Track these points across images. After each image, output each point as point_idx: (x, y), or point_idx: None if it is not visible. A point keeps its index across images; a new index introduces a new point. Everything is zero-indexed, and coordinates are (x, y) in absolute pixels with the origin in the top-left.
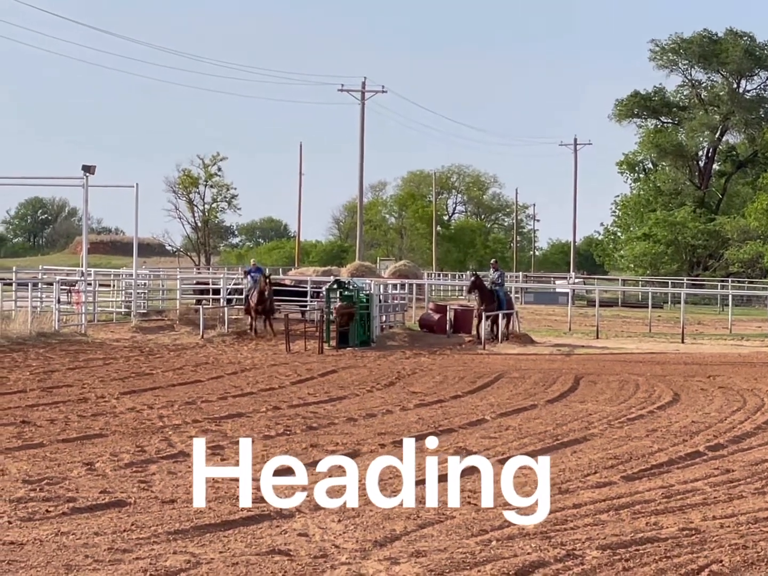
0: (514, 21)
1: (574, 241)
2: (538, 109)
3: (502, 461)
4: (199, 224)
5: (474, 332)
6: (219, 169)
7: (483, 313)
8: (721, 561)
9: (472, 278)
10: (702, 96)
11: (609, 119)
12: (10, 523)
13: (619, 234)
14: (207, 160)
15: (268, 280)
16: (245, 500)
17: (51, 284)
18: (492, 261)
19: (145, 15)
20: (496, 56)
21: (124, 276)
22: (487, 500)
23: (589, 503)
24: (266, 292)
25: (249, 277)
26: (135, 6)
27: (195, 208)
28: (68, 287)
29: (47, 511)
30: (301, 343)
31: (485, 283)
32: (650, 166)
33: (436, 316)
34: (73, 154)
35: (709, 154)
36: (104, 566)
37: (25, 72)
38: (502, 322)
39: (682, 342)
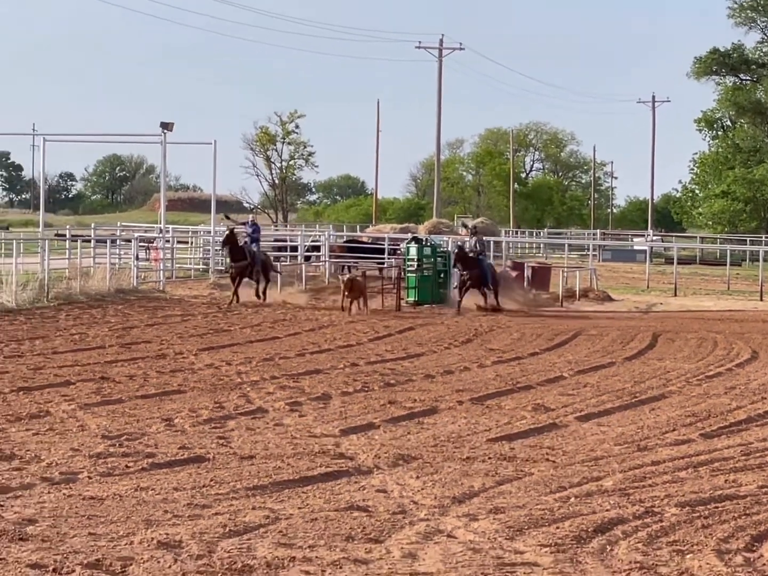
0: None
1: (652, 199)
2: (616, 66)
3: (581, 418)
4: (277, 181)
5: (460, 300)
6: (296, 127)
7: (467, 281)
8: None
9: (455, 251)
10: None
11: (687, 76)
12: (90, 478)
13: (697, 191)
14: (284, 118)
15: (233, 232)
16: (324, 456)
17: (129, 241)
18: (470, 226)
19: None
20: (573, 13)
21: (201, 233)
22: (565, 457)
23: (668, 460)
24: (245, 251)
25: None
26: None
27: (272, 165)
28: (146, 244)
29: (127, 466)
30: (379, 301)
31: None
32: (728, 123)
33: (514, 274)
34: (150, 112)
35: None
36: (183, 521)
37: (104, 30)
38: (489, 296)
39: (761, 300)
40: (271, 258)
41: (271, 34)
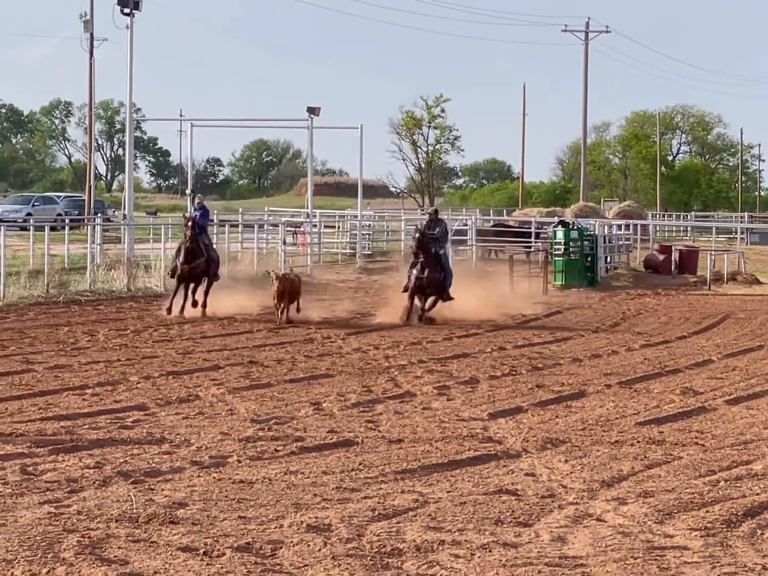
0: None
1: None
2: (764, 46)
3: (729, 402)
4: (423, 165)
5: (410, 309)
6: (442, 111)
7: (422, 284)
8: None
9: (416, 236)
10: None
11: None
12: (239, 462)
13: None
14: (430, 102)
15: (192, 224)
16: (472, 440)
17: (276, 226)
18: (430, 210)
19: None
20: None
21: (348, 217)
22: (714, 440)
23: None
24: (197, 244)
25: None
26: None
27: (418, 150)
28: (294, 229)
29: (276, 450)
30: (526, 284)
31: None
32: None
33: (661, 257)
34: (301, 94)
35: None
36: (333, 505)
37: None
38: (429, 300)
39: None
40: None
41: (417, 18)
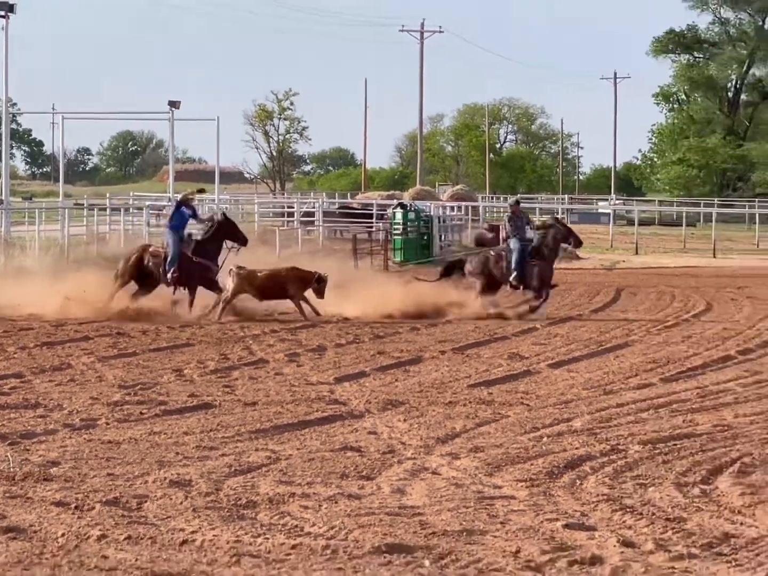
0: None
1: (615, 167)
2: (582, 45)
3: (552, 365)
4: (274, 154)
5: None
6: (291, 104)
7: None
8: (751, 454)
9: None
10: (730, 33)
11: (646, 55)
12: (108, 424)
13: (655, 159)
14: (280, 96)
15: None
16: (320, 402)
17: (141, 209)
18: (512, 202)
19: None
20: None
21: (207, 201)
22: (538, 400)
23: (631, 403)
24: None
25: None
26: None
27: (270, 139)
28: (157, 212)
29: (141, 413)
30: (368, 261)
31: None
32: (683, 97)
33: (490, 235)
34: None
35: (737, 86)
36: (193, 462)
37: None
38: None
39: (714, 257)
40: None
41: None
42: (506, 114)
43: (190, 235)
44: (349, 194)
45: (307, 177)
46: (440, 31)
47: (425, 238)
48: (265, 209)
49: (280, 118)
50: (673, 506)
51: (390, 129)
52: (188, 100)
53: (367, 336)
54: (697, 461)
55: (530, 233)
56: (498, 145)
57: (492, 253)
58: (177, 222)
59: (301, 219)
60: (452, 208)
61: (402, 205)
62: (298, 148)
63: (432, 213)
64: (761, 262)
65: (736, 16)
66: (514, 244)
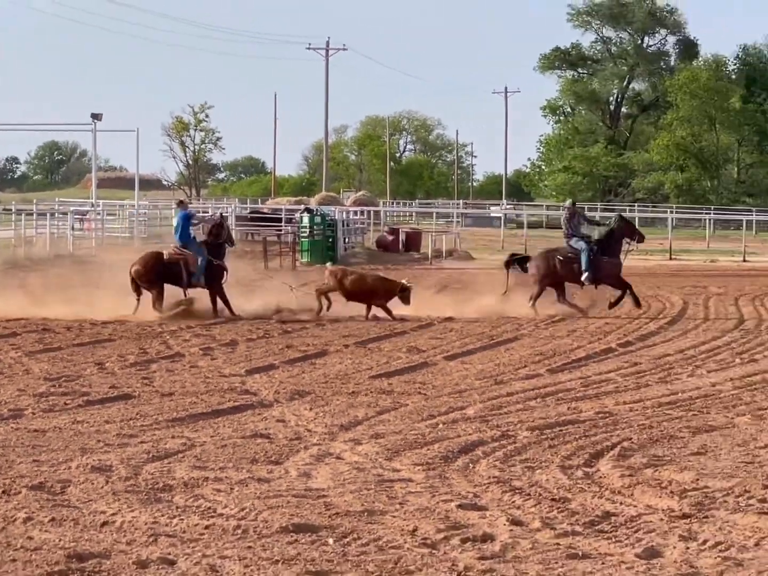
0: None
1: (506, 174)
2: (476, 62)
3: (447, 358)
4: (190, 162)
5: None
6: (206, 116)
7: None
8: (630, 439)
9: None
10: (612, 50)
11: (534, 70)
12: (33, 414)
13: (543, 167)
14: (196, 109)
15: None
16: (232, 393)
17: (66, 214)
18: (568, 204)
19: None
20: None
21: (127, 207)
22: (434, 390)
23: (520, 392)
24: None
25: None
26: None
27: (186, 149)
28: (80, 216)
29: (65, 403)
30: (277, 262)
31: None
32: (569, 110)
33: (391, 238)
34: (85, 102)
35: (618, 100)
36: (113, 449)
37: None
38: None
39: None
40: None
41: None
42: (405, 125)
43: (194, 238)
44: (259, 200)
45: (221, 184)
46: (344, 49)
47: (330, 240)
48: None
49: (196, 129)
50: (559, 487)
51: (298, 139)
52: (110, 112)
53: (276, 331)
54: (580, 446)
55: (587, 229)
56: (398, 154)
57: (560, 257)
58: (186, 230)
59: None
60: (355, 212)
61: (309, 210)
62: (212, 157)
63: (336, 217)
64: (640, 261)
65: (617, 35)
66: (577, 243)
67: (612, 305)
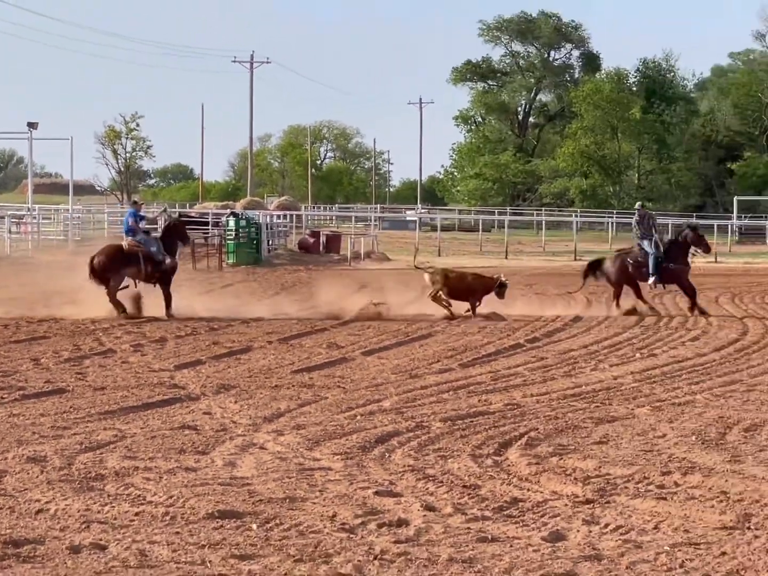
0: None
1: (420, 180)
2: (393, 74)
3: (365, 353)
4: (122, 169)
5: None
6: (137, 125)
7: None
8: (537, 429)
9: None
10: (520, 64)
11: (447, 82)
12: None
13: (455, 174)
14: (128, 118)
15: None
16: (161, 387)
17: (3, 218)
18: (638, 206)
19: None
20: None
21: (62, 211)
22: (353, 384)
23: (434, 385)
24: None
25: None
26: None
27: (118, 156)
28: (17, 220)
29: (2, 397)
30: (205, 262)
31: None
32: (480, 119)
33: (312, 240)
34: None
35: (526, 110)
36: (48, 440)
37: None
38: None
39: (506, 258)
40: None
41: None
42: (326, 134)
43: (148, 232)
44: (188, 204)
45: (151, 189)
46: (268, 62)
47: (255, 242)
48: (113, 218)
49: (127, 138)
50: (469, 475)
51: (224, 147)
52: (45, 121)
53: (203, 329)
54: (490, 436)
55: (656, 235)
56: (319, 161)
57: (630, 260)
58: (132, 226)
59: (146, 226)
60: (278, 216)
61: (234, 214)
62: (143, 164)
63: (261, 221)
64: (547, 262)
65: (525, 49)
66: (648, 246)
67: (691, 309)
